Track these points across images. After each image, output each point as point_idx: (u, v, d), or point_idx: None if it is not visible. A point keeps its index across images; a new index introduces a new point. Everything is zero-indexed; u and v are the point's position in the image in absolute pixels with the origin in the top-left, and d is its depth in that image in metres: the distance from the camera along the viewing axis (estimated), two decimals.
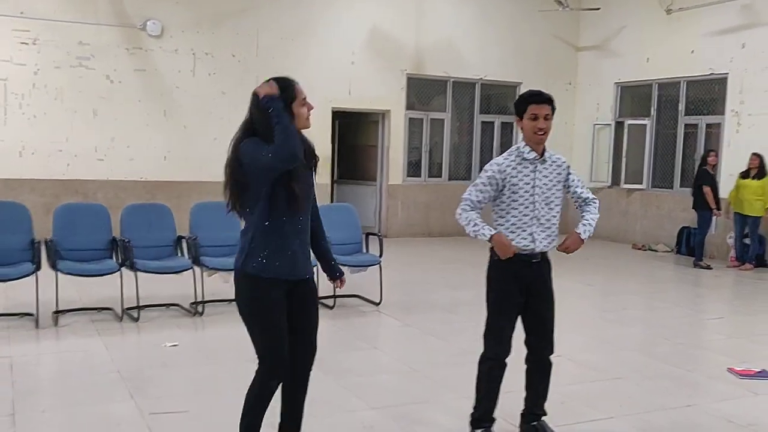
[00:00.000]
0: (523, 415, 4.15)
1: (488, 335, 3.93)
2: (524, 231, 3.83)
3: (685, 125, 12.82)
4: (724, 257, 11.63)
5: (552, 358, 4.08)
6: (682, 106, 12.82)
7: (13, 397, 4.55)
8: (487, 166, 3.91)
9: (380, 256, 7.63)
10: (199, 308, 6.97)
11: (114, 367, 5.28)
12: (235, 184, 3.32)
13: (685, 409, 4.77)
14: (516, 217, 3.83)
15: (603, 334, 6.79)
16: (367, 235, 7.91)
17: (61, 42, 10.82)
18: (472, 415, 4.03)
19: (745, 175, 10.88)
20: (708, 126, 12.45)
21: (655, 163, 13.40)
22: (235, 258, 3.43)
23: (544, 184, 3.87)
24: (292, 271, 3.36)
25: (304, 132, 3.39)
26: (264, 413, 3.45)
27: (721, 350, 6.41)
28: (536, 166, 3.85)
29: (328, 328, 6.85)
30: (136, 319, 6.64)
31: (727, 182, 11.33)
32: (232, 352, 5.78)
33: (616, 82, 13.92)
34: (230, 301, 7.33)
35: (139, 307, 6.72)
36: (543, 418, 4.12)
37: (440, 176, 13.86)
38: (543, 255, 3.92)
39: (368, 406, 4.60)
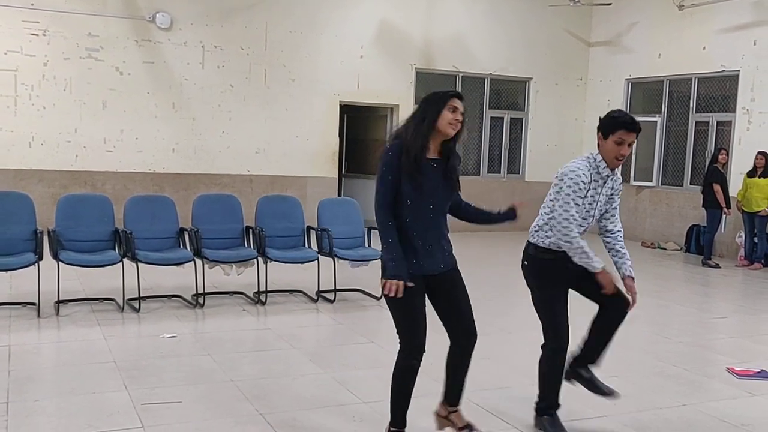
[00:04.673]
0: (576, 359, 4.24)
1: (548, 328, 4.02)
2: None
3: (696, 122, 12.72)
4: (733, 256, 11.54)
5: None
6: (693, 103, 12.72)
7: (9, 386, 4.59)
8: (571, 174, 3.78)
9: None
10: (200, 300, 7.00)
11: (111, 357, 5.32)
12: None
13: (679, 408, 4.74)
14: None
15: None
16: (370, 229, 7.90)
17: (71, 33, 10.89)
18: (538, 404, 4.17)
19: (752, 173, 10.75)
20: (719, 123, 12.35)
21: (665, 160, 13.31)
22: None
23: (603, 197, 3.95)
24: (420, 267, 3.59)
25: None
26: (410, 390, 3.70)
27: (722, 350, 6.36)
28: (605, 182, 3.91)
29: (327, 321, 6.88)
30: (137, 310, 6.69)
31: (737, 180, 11.23)
32: (229, 344, 5.82)
33: (627, 78, 13.81)
34: (231, 293, 7.41)
35: (140, 298, 6.77)
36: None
37: None
38: None
39: (360, 399, 4.60)
